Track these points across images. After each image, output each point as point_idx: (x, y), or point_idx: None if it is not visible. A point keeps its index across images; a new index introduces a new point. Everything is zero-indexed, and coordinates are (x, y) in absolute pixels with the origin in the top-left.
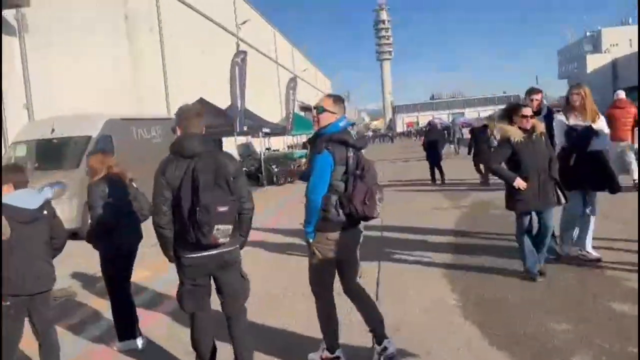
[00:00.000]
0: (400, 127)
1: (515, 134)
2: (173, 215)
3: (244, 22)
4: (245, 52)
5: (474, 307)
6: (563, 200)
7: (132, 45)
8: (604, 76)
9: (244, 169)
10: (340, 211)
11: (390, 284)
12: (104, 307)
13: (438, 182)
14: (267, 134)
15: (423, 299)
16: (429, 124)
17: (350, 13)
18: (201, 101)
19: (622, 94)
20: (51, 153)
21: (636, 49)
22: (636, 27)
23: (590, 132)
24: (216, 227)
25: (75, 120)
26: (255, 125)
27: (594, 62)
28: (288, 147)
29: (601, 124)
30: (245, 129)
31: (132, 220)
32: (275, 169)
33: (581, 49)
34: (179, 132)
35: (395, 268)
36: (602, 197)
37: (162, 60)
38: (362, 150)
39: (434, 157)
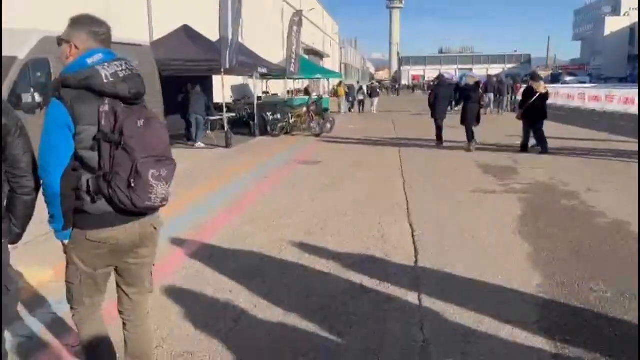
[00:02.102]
0: (405, 80)
1: None
2: None
3: None
4: None
5: None
6: None
7: None
8: (621, 40)
9: (233, 114)
10: (97, 197)
11: None
12: None
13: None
14: (264, 75)
15: None
16: (437, 78)
17: None
18: (185, 29)
19: None
20: None
21: None
22: None
23: None
24: None
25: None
26: (250, 63)
27: (613, 24)
28: (288, 92)
29: None
30: (236, 65)
31: None
32: (270, 117)
33: (600, 10)
34: None
35: None
36: None
37: None
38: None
39: (440, 115)
